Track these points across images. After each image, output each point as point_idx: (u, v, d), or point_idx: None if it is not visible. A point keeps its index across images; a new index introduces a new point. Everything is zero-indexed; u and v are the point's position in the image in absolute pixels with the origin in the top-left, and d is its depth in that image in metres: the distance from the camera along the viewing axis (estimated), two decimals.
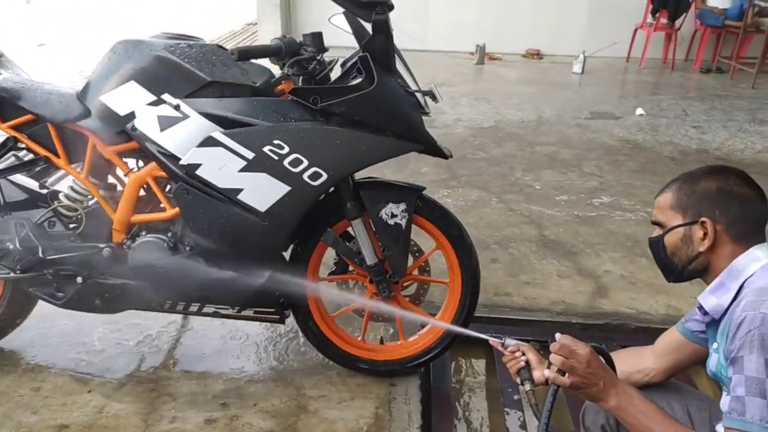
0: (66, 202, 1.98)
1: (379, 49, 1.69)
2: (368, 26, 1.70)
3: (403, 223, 1.87)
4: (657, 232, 1.31)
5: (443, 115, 5.17)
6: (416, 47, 7.72)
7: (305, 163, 1.71)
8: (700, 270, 1.25)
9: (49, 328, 2.26)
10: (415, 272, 2.04)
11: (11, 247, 1.91)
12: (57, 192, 2.03)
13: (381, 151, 1.77)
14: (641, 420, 1.17)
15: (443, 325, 1.97)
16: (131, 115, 1.80)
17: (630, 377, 1.47)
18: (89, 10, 10.96)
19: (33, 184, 2.08)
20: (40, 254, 1.90)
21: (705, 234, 1.21)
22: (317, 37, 1.74)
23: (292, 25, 7.54)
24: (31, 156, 1.95)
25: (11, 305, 2.05)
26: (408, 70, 1.86)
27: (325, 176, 1.72)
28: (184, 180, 1.76)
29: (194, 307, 1.94)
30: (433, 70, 6.83)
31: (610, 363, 1.31)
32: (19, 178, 2.04)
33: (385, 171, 3.81)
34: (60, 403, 1.92)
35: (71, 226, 1.99)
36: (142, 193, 1.94)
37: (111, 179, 2.04)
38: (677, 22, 7.02)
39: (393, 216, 1.87)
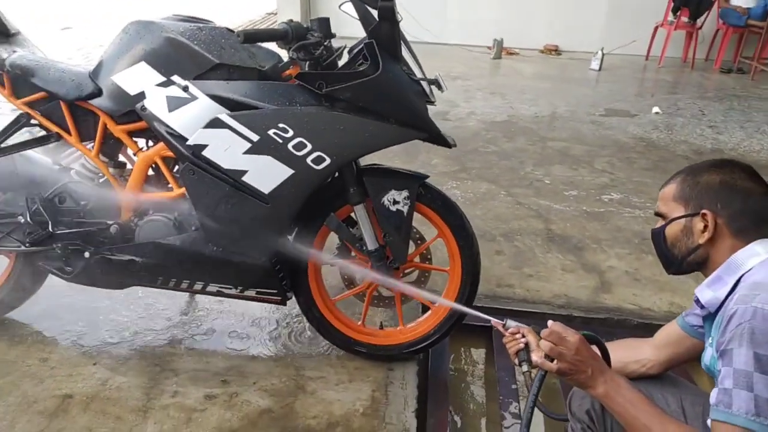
0: (77, 179, 2.02)
1: (385, 36, 1.70)
2: (375, 13, 1.72)
3: (405, 210, 1.89)
4: (660, 223, 1.32)
5: (457, 109, 5.17)
6: (434, 41, 7.72)
7: (309, 147, 1.73)
8: (700, 262, 1.25)
9: (59, 302, 2.31)
10: (417, 259, 2.06)
11: (22, 221, 1.96)
12: (69, 169, 2.07)
13: (384, 137, 1.79)
14: (628, 409, 1.18)
15: (449, 304, 1.97)
16: (141, 95, 1.83)
17: (626, 366, 1.48)
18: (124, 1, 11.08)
19: (46, 161, 2.12)
20: (50, 228, 1.95)
21: (705, 226, 1.21)
22: (324, 23, 1.76)
23: (311, 14, 7.56)
24: (43, 133, 1.99)
25: (22, 278, 2.10)
26: (414, 58, 1.87)
27: (328, 161, 1.75)
28: (190, 160, 1.79)
29: (198, 286, 1.97)
30: (450, 64, 6.82)
31: (604, 351, 1.33)
32: (33, 154, 2.09)
33: (396, 161, 3.84)
34: (66, 374, 1.98)
35: (81, 202, 2.03)
36: (150, 172, 1.99)
37: (121, 158, 2.08)
38: (699, 21, 6.93)
39: (395, 203, 1.89)
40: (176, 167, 1.94)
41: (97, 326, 2.22)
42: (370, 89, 1.71)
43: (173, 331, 2.23)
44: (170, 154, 1.88)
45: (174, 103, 1.80)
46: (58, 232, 1.96)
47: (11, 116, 2.00)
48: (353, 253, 2.02)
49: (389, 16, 1.67)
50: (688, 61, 7.20)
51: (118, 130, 1.93)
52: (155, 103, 1.82)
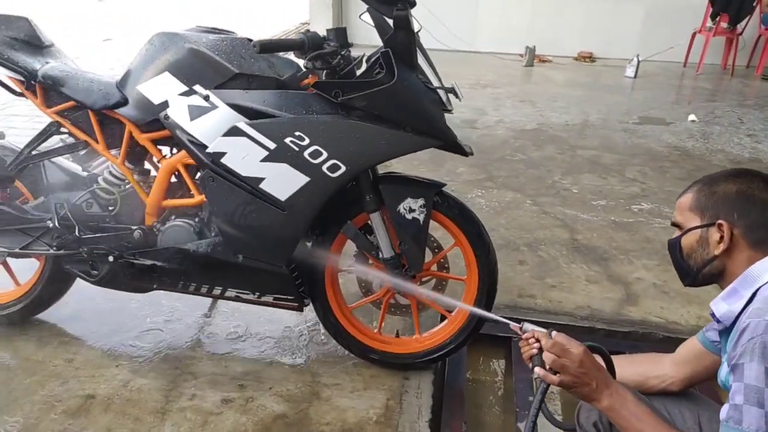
0: (104, 185, 2.09)
1: (400, 45, 1.71)
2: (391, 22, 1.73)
3: (421, 218, 1.89)
4: (676, 233, 1.29)
5: (485, 117, 5.14)
6: (465, 49, 7.71)
7: (325, 155, 1.75)
8: (715, 274, 1.22)
9: (87, 305, 2.38)
10: (434, 268, 2.05)
11: (51, 225, 2.03)
12: (96, 176, 2.14)
13: (400, 145, 1.79)
14: (633, 423, 1.15)
15: (468, 308, 1.96)
16: (165, 104, 1.88)
17: (647, 381, 1.45)
18: (158, 8, 11.42)
19: (75, 168, 2.20)
20: (77, 233, 2.02)
21: (721, 237, 1.18)
22: (341, 33, 1.78)
23: (344, 23, 7.63)
24: (72, 140, 2.07)
25: (51, 281, 2.17)
26: (431, 66, 1.87)
27: (343, 169, 1.76)
28: (210, 167, 1.83)
29: (217, 291, 2.01)
30: (480, 72, 6.80)
31: (609, 363, 1.30)
32: (63, 161, 2.16)
33: (421, 169, 3.85)
34: (89, 375, 2.04)
35: (109, 208, 2.10)
36: (173, 179, 2.03)
37: (146, 165, 2.13)
38: (739, 27, 6.74)
39: (411, 211, 1.89)
40: (198, 174, 1.98)
41: (122, 329, 2.28)
42: (385, 98, 1.72)
43: (194, 335, 2.27)
44: (192, 161, 1.92)
45: (195, 112, 1.85)
46: (85, 236, 2.02)
47: (43, 124, 2.09)
48: (370, 261, 2.03)
49: (404, 25, 1.68)
50: (728, 68, 7.00)
51: (142, 138, 1.98)
52: (178, 112, 1.87)
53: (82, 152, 2.19)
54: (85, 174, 2.17)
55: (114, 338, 2.23)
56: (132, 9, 11.35)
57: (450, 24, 7.52)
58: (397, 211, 1.88)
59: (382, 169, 1.99)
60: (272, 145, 1.76)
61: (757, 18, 6.77)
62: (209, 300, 2.44)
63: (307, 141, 1.75)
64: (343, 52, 1.79)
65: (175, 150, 2.03)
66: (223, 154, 1.80)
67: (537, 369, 1.22)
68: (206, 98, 1.83)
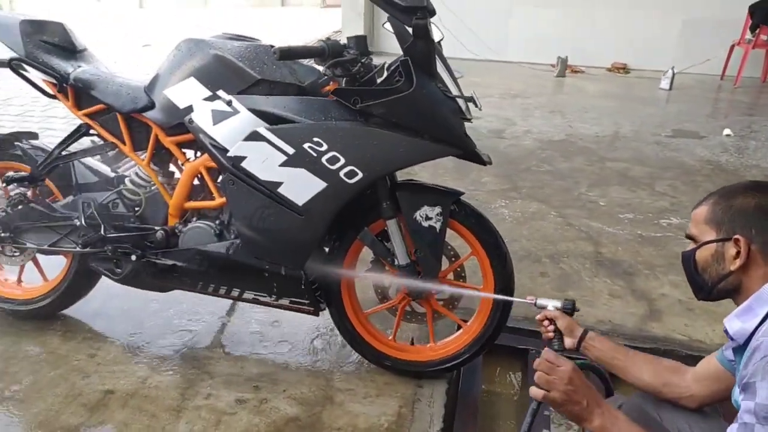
0: (130, 186, 2.15)
1: (419, 54, 1.72)
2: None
3: (438, 226, 1.89)
4: (690, 246, 1.26)
5: (513, 127, 5.11)
6: (496, 58, 7.69)
7: (342, 161, 1.77)
8: (731, 290, 1.20)
9: (112, 302, 2.44)
10: (450, 276, 2.05)
11: (78, 223, 2.10)
12: (123, 177, 2.20)
13: (417, 153, 1.80)
14: None
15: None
16: (189, 109, 1.93)
17: (663, 390, 1.43)
18: (201, 17, 11.71)
19: (104, 169, 2.27)
20: (102, 232, 2.07)
21: (738, 252, 1.15)
22: (361, 41, 1.80)
23: (375, 32, 7.69)
24: (101, 142, 2.13)
25: (77, 278, 2.24)
26: (451, 75, 1.88)
27: (360, 175, 1.77)
28: (230, 171, 1.87)
29: (235, 292, 2.04)
30: (510, 82, 6.77)
31: (605, 380, 1.28)
32: (92, 161, 2.23)
33: (446, 178, 3.85)
34: (110, 371, 2.09)
35: (135, 208, 2.15)
36: (196, 182, 2.08)
37: (171, 167, 2.19)
38: None
39: (427, 219, 1.89)
40: (220, 178, 2.02)
41: (144, 326, 2.33)
42: (403, 105, 1.73)
43: (213, 335, 2.31)
44: (214, 164, 1.96)
45: (218, 117, 1.89)
46: (110, 235, 2.08)
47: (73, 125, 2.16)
48: (386, 268, 2.03)
49: (423, 34, 1.69)
50: (767, 81, 6.82)
51: (168, 141, 2.03)
52: (201, 117, 1.91)
53: (111, 153, 2.26)
54: (112, 175, 2.23)
55: (136, 336, 2.28)
56: (171, 15, 11.65)
57: (481, 33, 7.51)
58: (414, 219, 1.89)
59: (404, 176, 2.00)
60: (291, 150, 1.78)
61: None
62: (229, 301, 2.48)
63: (325, 147, 1.77)
64: (363, 60, 1.81)
65: (198, 153, 2.07)
66: (243, 158, 1.83)
67: (531, 389, 1.21)
68: (229, 103, 1.87)
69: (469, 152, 1.83)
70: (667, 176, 4.15)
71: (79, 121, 2.15)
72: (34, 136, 2.28)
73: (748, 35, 6.61)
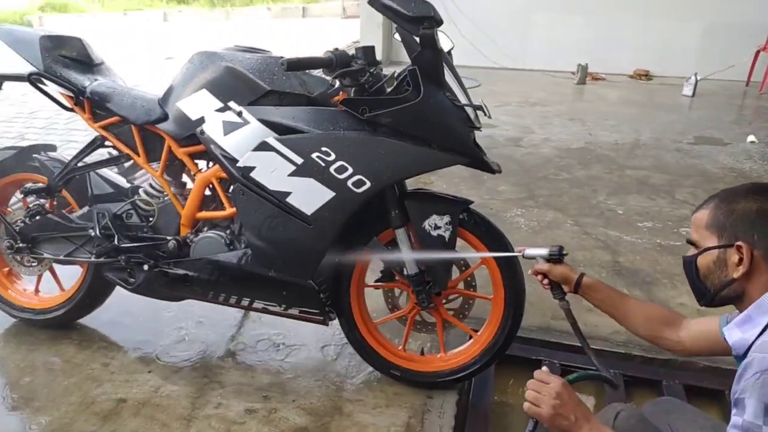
0: (144, 196, 2.18)
1: (427, 63, 1.72)
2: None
3: (447, 235, 1.88)
4: (692, 251, 1.23)
5: (531, 135, 5.07)
6: (515, 66, 7.66)
7: (350, 170, 1.77)
8: (734, 297, 1.17)
9: (127, 311, 2.47)
10: (461, 286, 2.03)
11: (93, 234, 2.13)
12: (137, 187, 2.24)
13: (425, 162, 1.80)
14: None
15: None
16: (201, 120, 1.96)
17: (657, 339, 1.50)
18: (224, 30, 11.90)
19: (120, 180, 2.31)
20: (116, 242, 2.11)
21: (740, 259, 1.12)
22: (369, 51, 1.80)
23: (392, 42, 7.72)
24: (116, 153, 2.17)
25: (92, 288, 2.27)
26: (460, 83, 1.87)
27: (368, 184, 1.77)
28: (240, 181, 1.89)
29: (245, 302, 2.05)
30: (529, 89, 6.73)
31: (611, 383, 1.27)
32: (107, 172, 2.27)
33: (461, 186, 3.84)
34: (123, 380, 2.11)
35: (149, 219, 2.18)
36: (207, 192, 2.10)
37: (184, 177, 2.21)
38: None
39: (436, 228, 1.88)
40: (231, 188, 2.04)
41: (157, 336, 2.36)
42: (411, 114, 1.73)
43: (224, 345, 2.32)
44: (226, 175, 1.98)
45: (229, 128, 1.91)
46: (123, 245, 2.11)
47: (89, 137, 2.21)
48: (396, 277, 2.03)
49: (430, 44, 1.69)
50: None
51: (180, 152, 2.06)
52: (213, 128, 1.93)
53: (126, 165, 2.29)
54: (127, 186, 2.27)
55: (149, 345, 2.30)
56: (193, 29, 11.85)
57: (500, 41, 7.50)
58: (423, 228, 1.88)
59: (420, 185, 1.99)
60: (299, 160, 1.79)
61: None
62: (241, 311, 2.49)
63: (333, 156, 1.77)
64: (371, 70, 1.81)
65: (210, 164, 2.10)
66: (252, 168, 1.85)
67: (524, 404, 1.24)
68: (239, 114, 1.89)
69: (477, 160, 1.82)
70: (688, 184, 4.07)
71: (95, 134, 2.19)
72: (51, 148, 2.33)
73: None
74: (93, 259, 2.15)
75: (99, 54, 2.29)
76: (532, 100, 6.33)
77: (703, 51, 7.19)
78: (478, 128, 1.86)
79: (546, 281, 1.61)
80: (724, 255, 1.15)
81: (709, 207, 1.19)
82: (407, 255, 1.90)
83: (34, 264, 2.32)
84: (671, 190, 3.94)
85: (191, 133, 1.99)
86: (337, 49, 1.79)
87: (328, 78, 1.85)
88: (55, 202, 2.30)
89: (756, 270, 1.11)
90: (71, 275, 2.36)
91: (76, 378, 2.11)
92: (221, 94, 1.94)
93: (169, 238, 2.09)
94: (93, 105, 2.13)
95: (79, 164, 2.19)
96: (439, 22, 1.71)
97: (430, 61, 1.72)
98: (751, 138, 5.00)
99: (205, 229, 2.09)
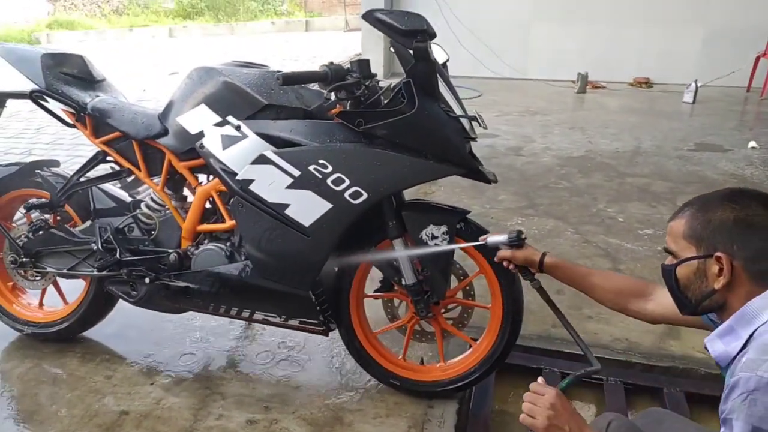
0: (145, 210, 2.21)
1: (421, 75, 1.75)
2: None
3: (444, 245, 1.89)
4: (670, 260, 1.20)
5: (532, 144, 5.10)
6: (516, 76, 7.70)
7: (347, 182, 1.79)
8: (715, 307, 1.15)
9: (130, 324, 2.50)
10: (459, 295, 2.05)
11: (95, 248, 2.16)
12: (139, 201, 2.27)
13: (421, 173, 1.82)
14: None
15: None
16: (200, 134, 1.98)
17: (625, 308, 1.56)
18: (228, 45, 12.01)
19: (121, 194, 2.34)
20: (118, 255, 2.13)
21: (721, 270, 1.09)
22: (364, 64, 1.83)
23: (393, 55, 7.78)
24: (117, 168, 2.20)
25: (95, 301, 2.29)
26: (455, 95, 1.89)
27: (365, 195, 1.79)
28: (239, 194, 1.91)
29: (246, 313, 2.07)
30: (529, 99, 6.76)
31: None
32: (109, 187, 2.30)
33: (462, 196, 3.85)
34: (125, 392, 2.13)
35: (150, 232, 2.21)
36: (207, 205, 2.13)
37: (185, 191, 2.24)
38: None
39: (433, 238, 1.90)
40: (231, 201, 2.06)
41: (160, 348, 2.38)
42: (406, 126, 1.76)
43: (226, 356, 2.34)
44: (225, 188, 2.01)
45: (227, 142, 1.94)
46: (125, 258, 2.13)
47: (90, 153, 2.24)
48: (395, 287, 2.04)
49: (424, 56, 1.72)
50: None
51: (181, 167, 2.09)
52: (211, 142, 1.96)
53: (128, 179, 2.33)
54: (129, 200, 2.29)
55: (151, 357, 2.32)
56: (198, 45, 11.97)
57: (500, 52, 7.54)
58: (420, 238, 1.90)
59: (420, 195, 2.01)
60: (297, 173, 1.82)
61: None
62: (243, 322, 2.51)
63: (330, 168, 1.79)
64: (366, 83, 1.84)
65: (210, 177, 2.12)
66: (251, 181, 1.87)
67: (520, 416, 1.25)
68: (237, 128, 1.92)
69: (473, 171, 1.84)
70: (689, 191, 4.07)
71: (96, 149, 2.23)
72: (54, 163, 2.37)
73: None
74: (95, 272, 2.17)
75: (100, 71, 2.33)
76: (532, 109, 6.36)
77: (703, 58, 7.22)
78: (474, 139, 1.88)
79: (512, 266, 1.70)
80: (704, 265, 1.12)
81: (685, 216, 1.16)
82: (400, 253, 1.91)
83: (37, 278, 2.34)
84: (672, 198, 3.95)
85: (191, 148, 2.02)
86: (332, 63, 1.82)
87: (324, 92, 1.89)
88: (58, 217, 2.33)
89: (737, 280, 1.09)
90: (75, 289, 2.39)
91: (79, 391, 2.13)
92: (220, 108, 1.97)
93: (170, 251, 2.12)
94: (94, 121, 2.16)
95: (82, 179, 2.23)
96: (432, 35, 1.74)
97: (424, 73, 1.75)
98: (752, 144, 5.01)
99: (206, 241, 2.11)
